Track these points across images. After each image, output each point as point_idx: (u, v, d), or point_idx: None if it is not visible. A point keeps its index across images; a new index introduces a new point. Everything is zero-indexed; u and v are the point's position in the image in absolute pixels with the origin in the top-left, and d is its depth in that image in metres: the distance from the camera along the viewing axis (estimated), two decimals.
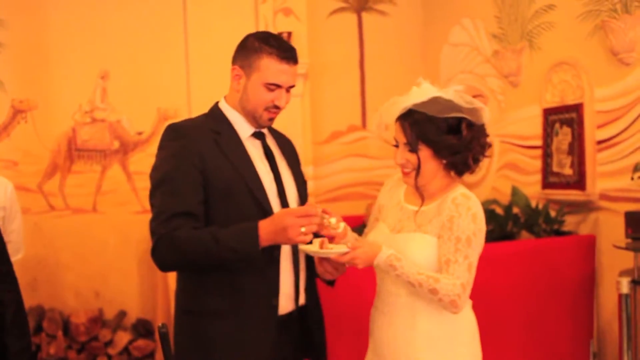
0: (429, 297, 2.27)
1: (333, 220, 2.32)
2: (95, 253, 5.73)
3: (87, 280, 5.72)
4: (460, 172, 2.41)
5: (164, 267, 2.37)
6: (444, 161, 2.37)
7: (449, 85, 2.56)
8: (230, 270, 2.30)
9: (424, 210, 2.39)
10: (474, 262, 2.30)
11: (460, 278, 2.26)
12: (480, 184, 5.43)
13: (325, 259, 2.36)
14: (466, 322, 2.44)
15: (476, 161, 2.38)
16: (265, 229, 2.22)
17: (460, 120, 2.32)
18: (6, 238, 3.66)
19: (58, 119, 5.71)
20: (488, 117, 2.38)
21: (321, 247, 2.27)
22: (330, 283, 2.54)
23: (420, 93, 2.36)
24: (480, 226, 2.32)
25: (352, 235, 2.51)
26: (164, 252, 2.28)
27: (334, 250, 2.27)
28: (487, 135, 2.40)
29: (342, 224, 2.36)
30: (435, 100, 2.34)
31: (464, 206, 2.30)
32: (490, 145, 2.42)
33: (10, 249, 3.64)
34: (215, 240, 2.22)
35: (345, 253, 2.27)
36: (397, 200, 2.50)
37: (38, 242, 5.52)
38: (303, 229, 2.20)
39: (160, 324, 2.14)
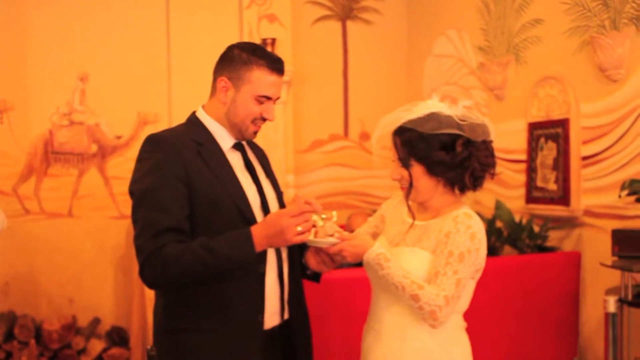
0: (410, 303, 2.21)
1: (319, 220, 2.29)
2: (70, 258, 5.61)
3: (61, 286, 5.60)
4: (461, 190, 2.36)
5: (154, 285, 2.30)
6: (440, 178, 2.32)
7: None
8: (215, 287, 2.25)
9: (426, 225, 2.35)
10: (463, 279, 2.23)
11: (445, 290, 2.20)
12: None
13: (320, 249, 2.35)
14: (459, 344, 2.38)
15: (476, 179, 2.32)
16: (259, 233, 2.19)
17: (455, 137, 2.27)
18: None
19: (35, 120, 5.58)
20: (491, 133, 2.32)
21: (315, 236, 2.27)
22: (316, 278, 2.50)
23: (422, 108, 2.31)
24: (477, 246, 2.25)
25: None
26: (155, 271, 2.19)
27: (325, 240, 2.27)
28: (489, 153, 2.33)
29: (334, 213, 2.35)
30: (430, 117, 2.28)
31: (463, 224, 2.25)
32: (493, 164, 2.34)
33: None
34: (209, 251, 2.16)
35: (335, 244, 2.28)
36: (400, 215, 2.45)
37: (11, 246, 5.40)
38: (299, 228, 2.18)
39: (149, 347, 2.06)
